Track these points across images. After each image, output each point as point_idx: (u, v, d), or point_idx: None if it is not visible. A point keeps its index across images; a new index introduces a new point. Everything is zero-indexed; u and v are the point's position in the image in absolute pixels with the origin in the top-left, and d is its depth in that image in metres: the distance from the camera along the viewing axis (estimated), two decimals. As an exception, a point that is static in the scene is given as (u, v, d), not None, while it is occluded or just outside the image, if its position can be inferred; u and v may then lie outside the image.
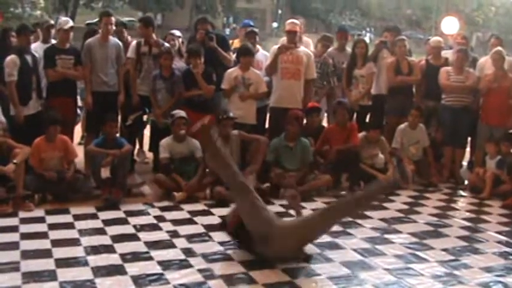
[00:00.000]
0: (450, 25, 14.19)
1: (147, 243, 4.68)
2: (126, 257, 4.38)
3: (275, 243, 4.26)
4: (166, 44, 7.07)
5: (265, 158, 6.31)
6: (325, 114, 7.85)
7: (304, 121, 6.86)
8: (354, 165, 6.62)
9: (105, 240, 4.77)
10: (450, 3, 43.00)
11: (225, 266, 4.29)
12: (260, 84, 6.82)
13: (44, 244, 4.61)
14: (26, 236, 4.78)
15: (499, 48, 7.15)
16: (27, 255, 4.37)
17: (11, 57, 6.14)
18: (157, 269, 4.18)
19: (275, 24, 45.83)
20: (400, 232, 5.23)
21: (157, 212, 5.58)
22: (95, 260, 4.31)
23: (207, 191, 6.09)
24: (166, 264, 4.26)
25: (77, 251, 4.48)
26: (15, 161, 5.41)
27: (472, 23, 41.14)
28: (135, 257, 4.40)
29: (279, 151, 6.44)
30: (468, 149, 7.79)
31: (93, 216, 5.38)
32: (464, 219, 5.75)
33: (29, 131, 6.07)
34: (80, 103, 7.29)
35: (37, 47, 6.77)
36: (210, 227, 5.11)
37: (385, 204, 6.14)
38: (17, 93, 6.14)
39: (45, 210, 5.48)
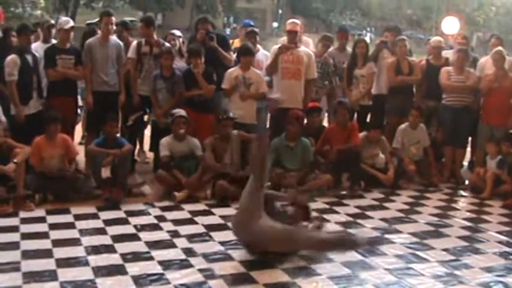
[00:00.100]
0: (451, 25, 14.19)
1: (147, 243, 4.68)
2: (127, 257, 4.38)
3: (248, 234, 4.31)
4: (167, 44, 7.07)
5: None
6: (326, 114, 7.85)
7: (305, 121, 6.86)
8: (354, 165, 6.62)
9: (106, 240, 4.77)
10: (451, 3, 43.03)
11: (226, 266, 4.28)
12: (260, 84, 6.82)
13: (45, 244, 4.61)
14: (26, 236, 4.78)
15: (500, 48, 7.15)
16: (27, 255, 4.37)
17: (12, 57, 6.14)
18: (158, 269, 4.18)
19: (275, 24, 45.82)
20: (400, 232, 5.23)
21: (158, 212, 5.58)
22: (96, 260, 4.32)
23: (208, 191, 6.09)
24: (166, 264, 4.26)
25: (78, 251, 4.48)
26: (15, 160, 5.41)
27: (472, 23, 41.15)
28: (136, 256, 4.40)
29: (280, 151, 6.43)
30: (469, 149, 7.79)
31: (94, 216, 5.38)
32: (464, 219, 5.75)
33: (30, 130, 6.07)
34: (80, 103, 7.29)
35: (37, 47, 6.77)
36: (210, 227, 5.11)
37: (385, 204, 6.14)
38: (18, 92, 6.14)
39: (46, 210, 5.48)
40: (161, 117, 6.74)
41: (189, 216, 5.51)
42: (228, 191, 5.86)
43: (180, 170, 6.16)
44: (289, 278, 4.08)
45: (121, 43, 6.89)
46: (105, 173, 5.93)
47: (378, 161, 6.90)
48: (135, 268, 4.17)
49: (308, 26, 24.51)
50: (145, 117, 7.27)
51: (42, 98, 6.45)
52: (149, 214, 5.52)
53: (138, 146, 7.65)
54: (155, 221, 5.30)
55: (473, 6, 47.94)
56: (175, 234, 4.95)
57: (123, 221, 5.28)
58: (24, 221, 5.17)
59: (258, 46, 7.54)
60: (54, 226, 5.06)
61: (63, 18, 7.22)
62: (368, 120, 7.43)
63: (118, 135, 6.47)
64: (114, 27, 6.88)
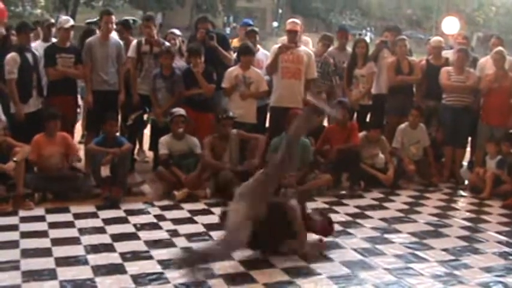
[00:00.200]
0: (451, 25, 14.17)
1: (147, 242, 4.68)
2: (126, 256, 4.38)
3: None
4: (167, 43, 7.07)
5: (264, 156, 6.30)
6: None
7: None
8: (354, 164, 6.62)
9: (105, 239, 4.77)
10: (451, 3, 43.02)
11: (225, 265, 4.28)
12: (261, 83, 6.82)
13: (44, 243, 4.61)
14: (26, 235, 4.78)
15: (500, 48, 7.14)
16: (27, 253, 4.37)
17: (11, 55, 6.14)
18: (157, 268, 4.18)
19: (275, 24, 45.80)
20: (400, 232, 5.23)
21: (158, 211, 5.58)
22: (95, 259, 4.31)
23: (207, 190, 6.09)
24: (166, 263, 4.25)
25: (77, 250, 4.48)
26: (15, 159, 5.41)
27: (472, 23, 41.14)
28: (135, 256, 4.40)
29: (280, 150, 6.42)
30: (468, 149, 7.79)
31: (93, 215, 5.38)
32: (464, 219, 5.75)
33: (30, 128, 6.07)
34: (80, 102, 7.29)
35: (38, 46, 6.77)
36: (210, 226, 5.11)
37: (385, 204, 6.14)
38: (17, 91, 6.14)
39: (45, 208, 5.49)
40: (161, 116, 6.74)
41: (188, 215, 5.51)
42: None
43: (179, 167, 6.17)
44: (289, 278, 4.08)
45: (121, 42, 6.89)
46: (105, 171, 5.93)
47: (377, 161, 6.90)
48: (134, 267, 4.17)
49: (308, 25, 24.50)
50: (145, 117, 7.26)
51: (42, 96, 6.44)
52: (149, 213, 5.52)
53: (137, 145, 7.65)
54: (155, 220, 5.30)
55: (473, 6, 47.92)
56: (174, 233, 4.95)
57: (122, 220, 5.28)
58: (24, 219, 5.17)
59: (257, 45, 7.54)
60: (53, 225, 5.06)
61: (63, 17, 7.22)
62: (368, 120, 7.43)
63: (118, 134, 6.47)
64: (114, 26, 6.88)
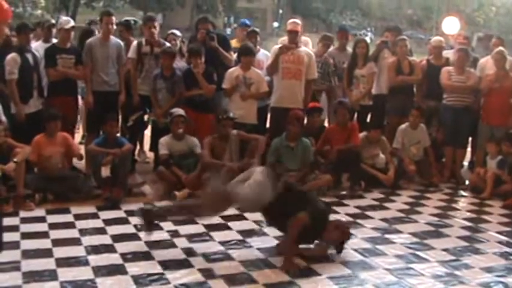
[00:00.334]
0: (451, 25, 14.18)
1: (147, 243, 4.68)
2: (127, 257, 4.38)
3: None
4: (168, 44, 7.07)
5: (264, 157, 6.31)
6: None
7: (305, 121, 6.86)
8: (354, 165, 6.62)
9: (106, 239, 4.77)
10: (451, 3, 43.00)
11: (226, 265, 4.28)
12: (261, 84, 6.82)
13: (45, 244, 4.61)
14: (26, 236, 4.78)
15: (501, 48, 7.14)
16: (27, 254, 4.37)
17: (12, 56, 6.14)
18: (158, 269, 4.18)
19: (276, 24, 45.82)
20: (400, 232, 5.23)
21: (158, 212, 5.57)
22: (96, 259, 4.32)
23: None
24: (167, 264, 4.26)
25: (78, 251, 4.48)
26: (15, 160, 5.41)
27: (472, 23, 41.10)
28: (136, 256, 4.40)
29: (280, 151, 6.43)
30: (469, 149, 7.79)
31: (94, 216, 5.39)
32: (465, 219, 5.74)
33: (30, 129, 6.07)
34: (80, 102, 7.29)
35: (38, 46, 6.78)
36: (210, 227, 5.11)
37: (386, 204, 6.14)
38: (18, 91, 6.15)
39: (46, 209, 5.49)
40: (161, 117, 6.74)
41: (189, 216, 5.50)
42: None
43: (179, 168, 6.17)
44: (289, 278, 4.08)
45: (121, 43, 6.90)
46: (105, 172, 5.94)
47: (378, 161, 6.90)
48: (135, 268, 4.17)
49: (308, 25, 24.55)
50: (145, 117, 7.26)
51: (42, 97, 6.45)
52: (149, 214, 5.52)
53: (138, 146, 7.65)
54: (155, 221, 5.29)
55: (474, 7, 47.91)
56: (175, 234, 4.95)
57: (123, 221, 5.28)
58: (24, 220, 5.17)
59: (258, 46, 7.53)
60: (54, 226, 5.06)
61: (64, 18, 7.23)
62: (368, 120, 7.43)
63: (118, 135, 6.48)
64: (115, 27, 6.88)
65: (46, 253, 4.42)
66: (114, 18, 6.78)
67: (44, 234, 4.84)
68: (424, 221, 5.59)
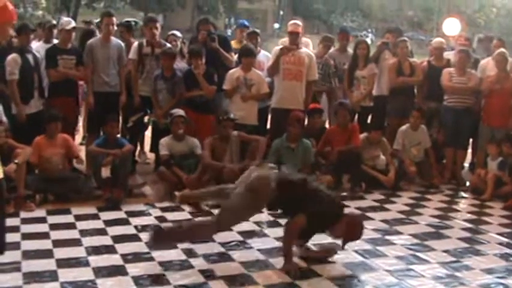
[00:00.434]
0: (452, 26, 14.16)
1: (148, 244, 4.67)
2: (128, 258, 4.38)
3: None
4: (168, 45, 7.08)
5: (264, 157, 6.30)
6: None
7: (306, 122, 6.86)
8: (355, 166, 6.62)
9: (107, 240, 4.77)
10: (452, 4, 43.00)
11: (226, 266, 4.28)
12: (262, 85, 6.83)
13: (45, 244, 4.61)
14: (27, 236, 4.78)
15: (502, 49, 7.15)
16: (28, 255, 4.37)
17: (12, 56, 6.15)
18: (159, 270, 4.18)
19: (277, 25, 45.80)
20: (401, 233, 5.22)
21: (159, 213, 5.58)
22: (96, 260, 4.31)
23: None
24: (167, 265, 4.26)
25: (78, 252, 4.48)
26: (16, 161, 5.41)
27: (473, 24, 41.07)
28: (137, 257, 4.40)
29: (281, 152, 6.43)
30: (470, 151, 7.79)
31: (95, 217, 5.39)
32: (465, 220, 5.74)
33: (31, 129, 6.08)
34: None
35: (39, 47, 6.79)
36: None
37: (386, 206, 6.14)
38: (19, 91, 6.15)
39: (47, 210, 5.49)
40: (161, 117, 6.74)
41: (189, 217, 5.50)
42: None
43: (180, 168, 6.17)
44: (290, 280, 4.08)
45: (122, 44, 6.90)
46: (106, 173, 5.94)
47: (378, 163, 6.90)
48: (135, 269, 4.17)
49: (309, 27, 24.55)
50: (146, 118, 7.27)
51: (43, 97, 6.46)
52: (150, 215, 5.52)
53: (138, 147, 7.65)
54: (156, 222, 5.30)
55: (474, 8, 47.87)
56: (175, 234, 4.94)
57: (123, 222, 5.28)
58: (25, 221, 5.18)
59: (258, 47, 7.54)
60: (54, 226, 5.06)
61: (65, 19, 7.25)
62: (369, 121, 7.43)
63: (119, 135, 6.48)
64: (116, 28, 6.89)
65: (47, 254, 4.42)
66: (114, 19, 6.79)
67: (44, 235, 4.84)
68: (424, 222, 5.59)
